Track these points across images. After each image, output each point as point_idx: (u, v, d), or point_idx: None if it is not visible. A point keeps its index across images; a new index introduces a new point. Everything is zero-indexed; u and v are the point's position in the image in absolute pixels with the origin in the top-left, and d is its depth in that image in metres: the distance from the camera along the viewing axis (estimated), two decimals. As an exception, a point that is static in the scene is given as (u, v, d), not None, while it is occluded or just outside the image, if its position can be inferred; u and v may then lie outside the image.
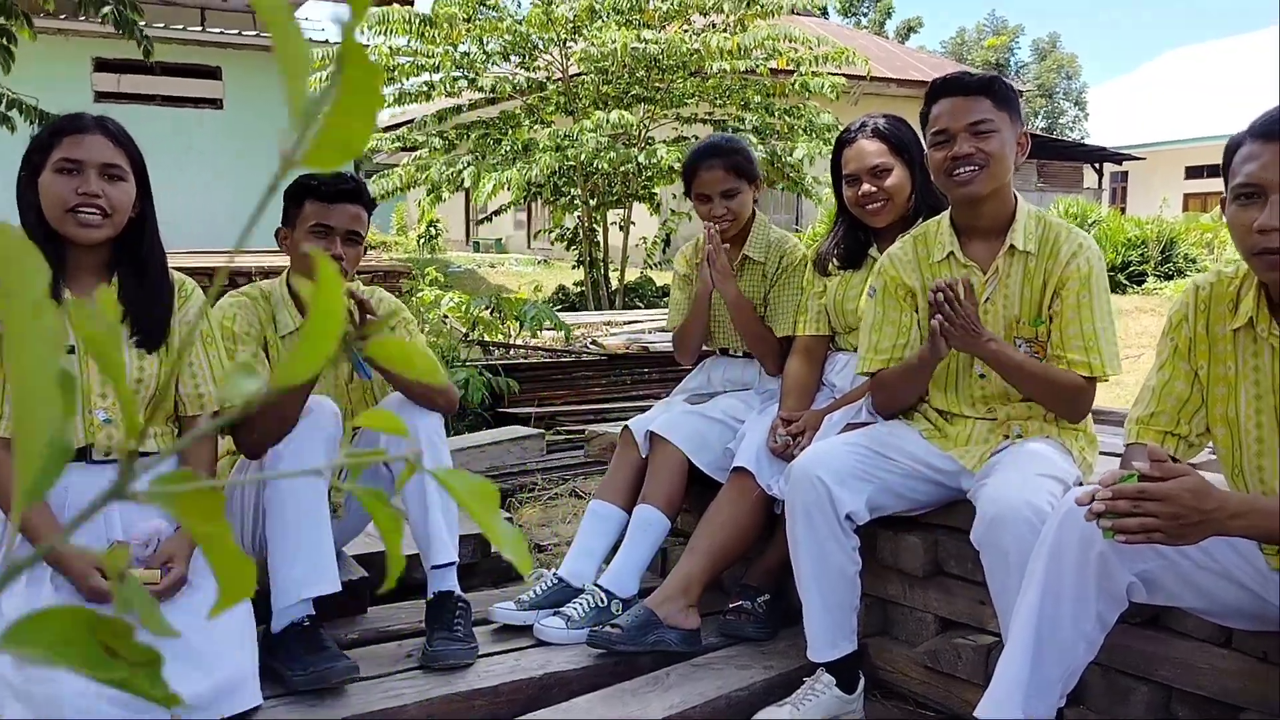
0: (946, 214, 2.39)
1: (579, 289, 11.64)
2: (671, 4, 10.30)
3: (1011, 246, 2.28)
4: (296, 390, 2.18)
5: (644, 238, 12.18)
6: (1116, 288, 14.36)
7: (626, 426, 2.85)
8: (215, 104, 14.06)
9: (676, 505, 2.72)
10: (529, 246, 21.04)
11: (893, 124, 2.73)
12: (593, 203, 11.03)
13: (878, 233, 2.75)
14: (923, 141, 2.46)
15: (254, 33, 13.82)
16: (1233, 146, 1.74)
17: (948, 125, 2.22)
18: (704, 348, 3.08)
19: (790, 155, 9.99)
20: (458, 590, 2.40)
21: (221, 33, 13.77)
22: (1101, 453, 2.47)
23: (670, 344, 3.19)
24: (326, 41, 10.86)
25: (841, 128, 2.93)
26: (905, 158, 2.67)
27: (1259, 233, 1.64)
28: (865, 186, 2.66)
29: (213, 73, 13.95)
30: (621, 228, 11.13)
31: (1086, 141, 27.60)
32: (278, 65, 0.44)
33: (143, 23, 5.08)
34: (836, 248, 2.81)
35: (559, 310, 10.47)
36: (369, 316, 2.28)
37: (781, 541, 2.50)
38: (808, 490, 2.23)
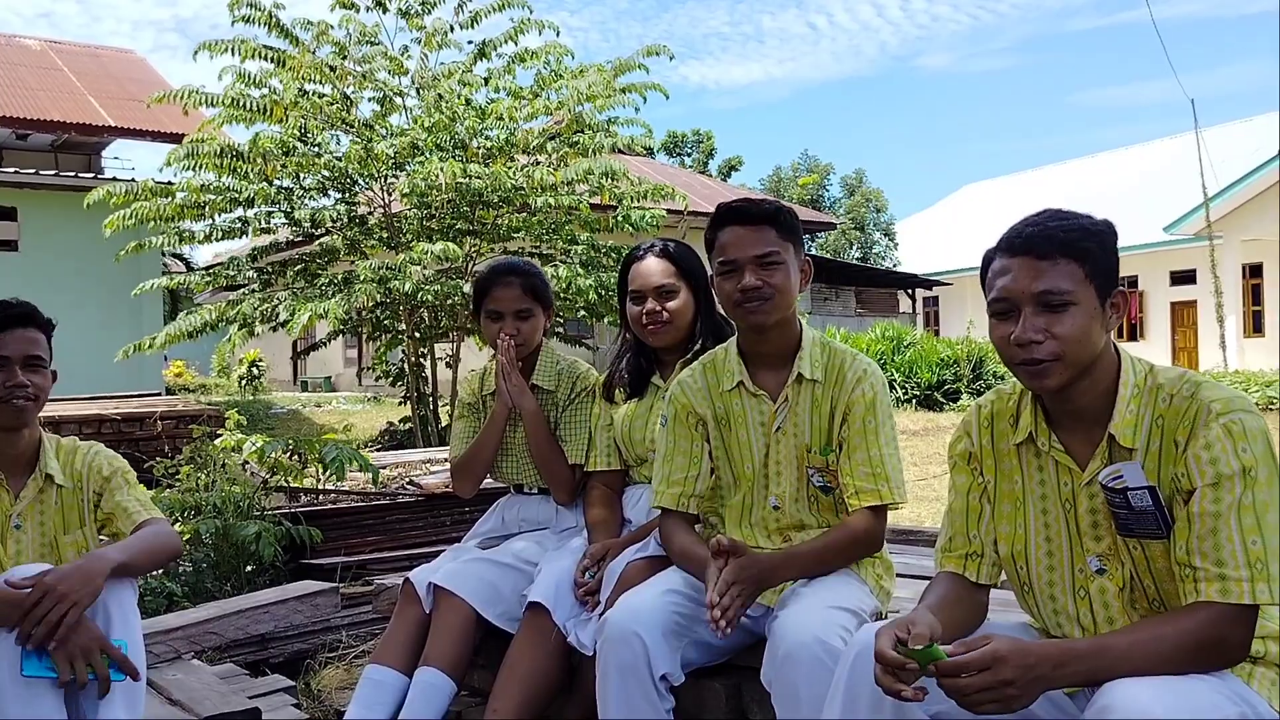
0: (733, 342, 2.36)
1: (406, 426, 11.27)
2: (495, 142, 10.40)
3: (799, 375, 2.26)
4: None
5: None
6: (933, 405, 15.05)
7: (407, 579, 2.61)
8: (10, 246, 13.26)
9: (463, 665, 2.47)
10: (359, 384, 20.45)
11: (680, 248, 2.73)
12: (419, 336, 10.80)
13: (660, 360, 2.73)
14: (708, 268, 2.43)
15: (53, 172, 13.22)
16: (987, 260, 1.74)
17: (735, 256, 2.21)
18: (495, 485, 2.91)
19: (616, 284, 10.07)
20: None
21: (17, 172, 13.11)
22: (901, 575, 2.40)
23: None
24: (133, 180, 10.40)
25: None
26: (691, 283, 2.67)
27: (1017, 345, 1.63)
28: (650, 305, 2.63)
29: (8, 213, 13.19)
30: (448, 364, 10.91)
31: (899, 269, 29.34)
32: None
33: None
34: (622, 375, 2.76)
35: (384, 449, 10.07)
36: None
37: (585, 696, 2.29)
38: (623, 649, 2.05)
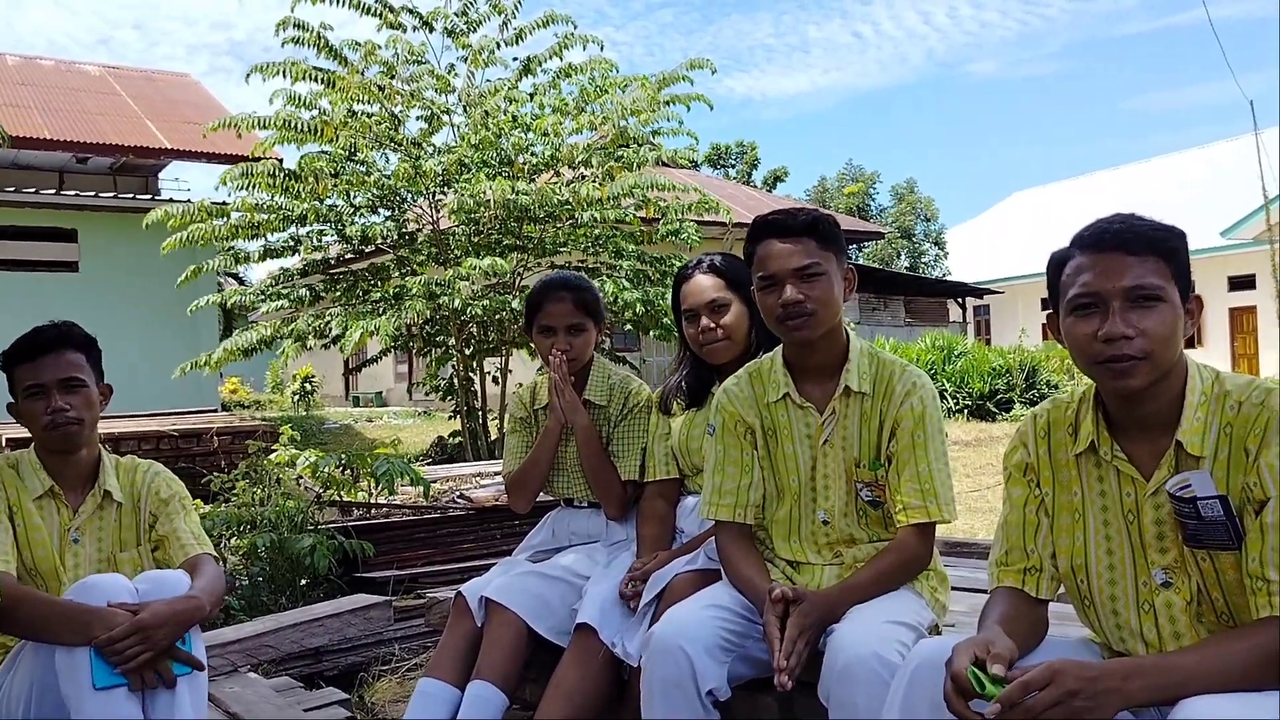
0: (779, 352, 2.33)
1: (457, 440, 11.35)
2: (540, 158, 10.48)
3: (847, 388, 2.22)
4: None
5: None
6: (985, 415, 14.83)
7: (459, 592, 2.62)
8: (71, 267, 13.61)
9: (515, 678, 2.48)
10: (410, 398, 20.64)
11: (728, 261, 2.72)
12: (468, 351, 10.89)
13: (721, 370, 2.69)
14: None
15: (111, 194, 13.56)
16: (1059, 261, 1.70)
17: (775, 270, 2.17)
18: (546, 498, 2.92)
19: (664, 300, 10.08)
20: None
21: (78, 194, 13.46)
22: (955, 588, 2.36)
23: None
24: (189, 201, 10.64)
25: None
26: (742, 294, 2.63)
27: (1104, 341, 1.59)
28: (704, 322, 2.63)
29: (68, 235, 13.55)
30: (495, 379, 10.98)
31: (948, 278, 29.01)
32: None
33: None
34: (680, 386, 2.75)
35: (435, 463, 10.14)
36: None
37: (634, 708, 2.28)
38: (669, 664, 2.03)
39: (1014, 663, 1.53)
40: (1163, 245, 1.61)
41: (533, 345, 9.95)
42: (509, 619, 2.49)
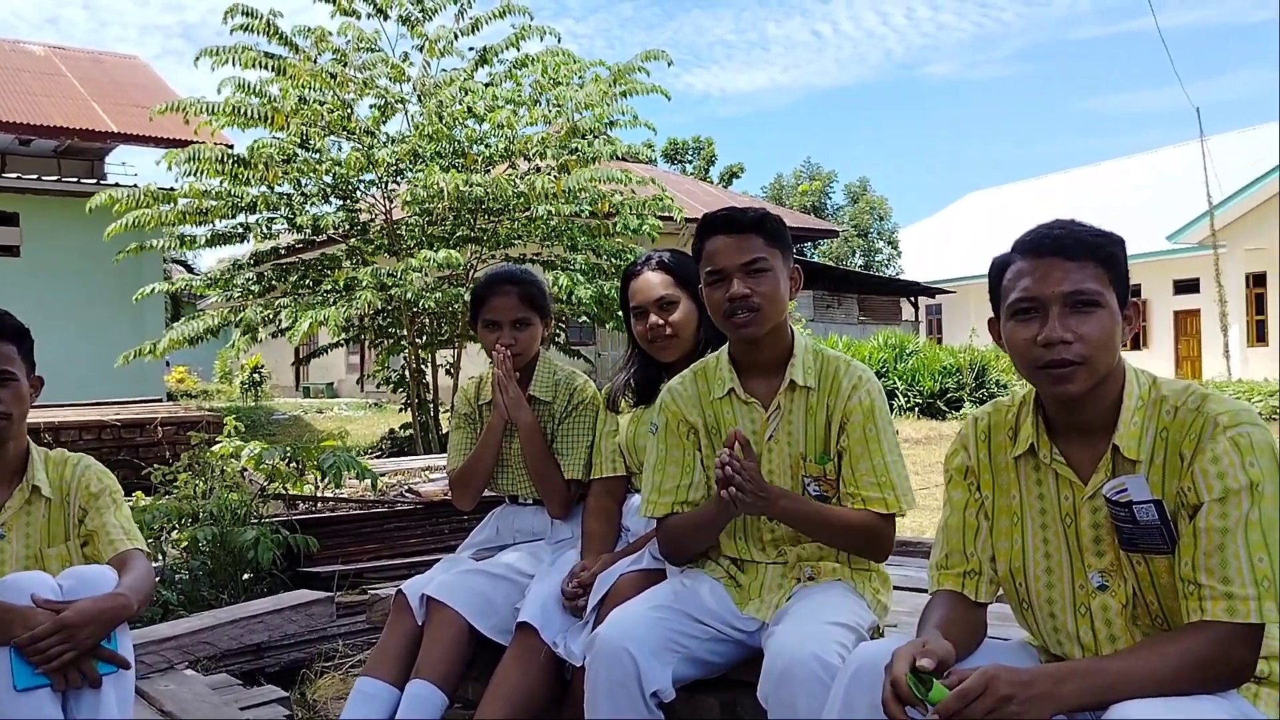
0: (725, 349, 2.33)
1: (408, 433, 11.24)
2: (495, 150, 10.39)
3: (792, 382, 2.23)
4: None
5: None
6: (935, 413, 15.00)
7: (400, 590, 2.58)
8: (12, 251, 13.27)
9: (455, 678, 2.44)
10: (361, 390, 20.43)
11: (677, 258, 2.70)
12: (420, 343, 10.78)
13: (669, 367, 2.67)
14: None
15: (55, 178, 13.24)
16: (1000, 266, 1.72)
17: (723, 265, 2.19)
18: (490, 494, 2.88)
19: (619, 293, 10.02)
20: None
21: (20, 177, 13.12)
22: (902, 588, 2.36)
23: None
24: (135, 186, 10.40)
25: None
26: (690, 291, 2.62)
27: (1043, 346, 1.60)
28: (653, 319, 2.61)
29: (10, 219, 13.21)
30: (448, 372, 10.88)
31: (902, 277, 29.29)
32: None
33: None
34: (628, 383, 2.73)
35: (385, 456, 10.02)
36: None
37: (577, 707, 2.26)
38: (613, 665, 2.02)
39: (948, 664, 1.53)
40: (1101, 251, 1.63)
41: (485, 339, 9.74)
42: (450, 617, 2.45)
